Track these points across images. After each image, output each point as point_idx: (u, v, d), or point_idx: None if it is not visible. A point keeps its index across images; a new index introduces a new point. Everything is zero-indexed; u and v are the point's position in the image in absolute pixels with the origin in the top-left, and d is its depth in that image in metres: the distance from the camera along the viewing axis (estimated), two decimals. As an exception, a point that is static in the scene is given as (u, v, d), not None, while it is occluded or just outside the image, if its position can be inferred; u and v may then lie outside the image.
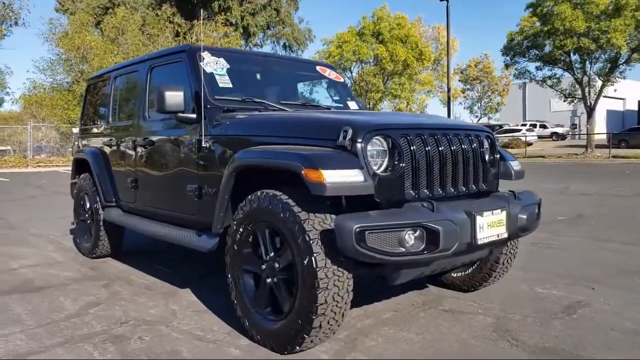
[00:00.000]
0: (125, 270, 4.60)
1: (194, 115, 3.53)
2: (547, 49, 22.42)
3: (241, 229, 2.87)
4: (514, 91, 44.87)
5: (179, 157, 3.73)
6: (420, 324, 3.12)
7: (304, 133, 2.81)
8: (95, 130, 5.17)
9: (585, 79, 22.60)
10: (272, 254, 2.73)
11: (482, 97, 41.34)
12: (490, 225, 2.74)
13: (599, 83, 22.65)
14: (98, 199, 4.80)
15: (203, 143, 3.40)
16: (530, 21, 22.53)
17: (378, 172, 2.61)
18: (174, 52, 3.96)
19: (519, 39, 22.74)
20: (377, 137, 2.64)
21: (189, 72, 3.68)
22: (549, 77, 23.97)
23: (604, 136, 28.90)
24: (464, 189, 2.98)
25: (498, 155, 3.32)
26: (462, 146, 2.97)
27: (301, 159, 2.48)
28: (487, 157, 3.17)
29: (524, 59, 23.62)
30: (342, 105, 4.39)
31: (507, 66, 24.77)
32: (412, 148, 2.71)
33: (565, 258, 4.80)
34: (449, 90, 24.22)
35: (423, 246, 2.43)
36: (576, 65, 22.69)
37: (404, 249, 2.39)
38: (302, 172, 2.43)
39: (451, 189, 2.90)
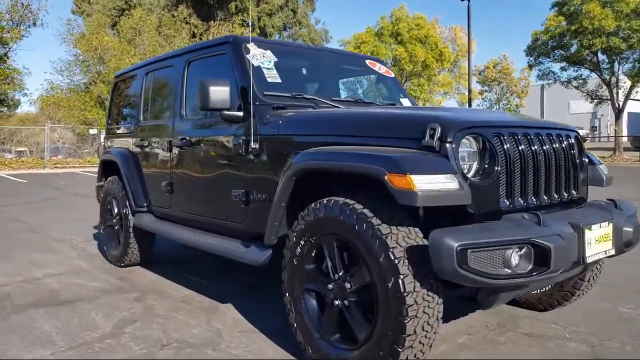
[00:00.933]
0: (156, 281, 4.25)
1: (241, 113, 3.18)
2: (573, 49, 21.79)
3: (302, 242, 2.51)
4: (533, 93, 44.08)
5: (222, 159, 3.38)
6: (504, 351, 2.72)
7: (380, 131, 2.43)
8: (124, 130, 4.84)
9: (614, 79, 21.93)
10: (341, 272, 2.36)
11: (500, 98, 40.61)
12: (598, 241, 2.34)
13: (628, 84, 21.95)
14: (128, 204, 4.47)
15: (252, 144, 3.05)
16: (556, 20, 21.94)
17: (470, 177, 2.22)
18: (215, 44, 3.60)
19: (544, 38, 22.15)
20: (467, 137, 2.26)
21: (235, 66, 3.33)
22: (575, 78, 23.32)
23: (624, 139, 28.08)
24: (557, 196, 2.59)
25: (586, 159, 2.92)
26: (555, 147, 2.57)
27: (384, 161, 2.10)
28: (577, 160, 2.77)
29: (548, 59, 23.00)
30: (394, 102, 4.00)
31: (530, 67, 24.16)
32: (506, 149, 2.32)
33: None
34: (469, 91, 23.63)
35: (530, 267, 2.04)
36: (603, 65, 22.04)
37: (509, 271, 2.00)
38: (386, 177, 2.06)
39: (544, 196, 2.51)
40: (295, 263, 2.56)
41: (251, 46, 3.41)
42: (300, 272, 2.55)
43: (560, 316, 3.23)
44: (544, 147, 2.50)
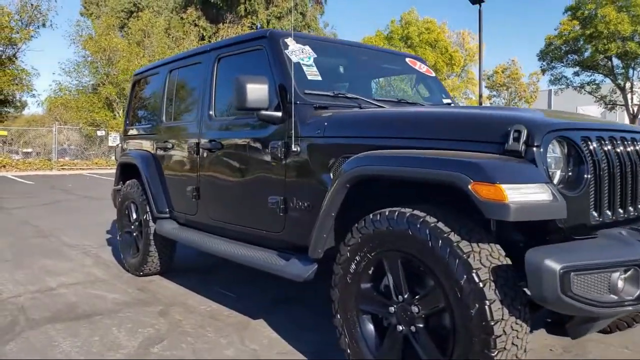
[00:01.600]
0: (179, 293, 3.98)
1: (279, 114, 2.91)
2: (587, 53, 21.46)
3: (358, 258, 2.23)
4: (541, 98, 43.72)
5: (257, 162, 3.11)
6: (578, 382, 2.43)
7: (451, 133, 2.15)
8: (144, 131, 4.58)
9: (628, 84, 21.58)
10: (407, 294, 2.07)
11: (508, 103, 40.26)
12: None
13: (644, 89, 21.65)
14: (148, 209, 4.20)
15: (293, 146, 2.77)
16: (570, 25, 21.63)
17: (558, 187, 1.94)
18: (250, 38, 3.33)
19: (557, 43, 21.84)
20: (555, 140, 1.98)
21: (272, 62, 3.06)
22: (588, 83, 22.98)
23: None
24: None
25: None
26: (640, 152, 2.29)
27: (467, 168, 1.82)
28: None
29: (561, 64, 22.67)
30: (437, 104, 3.72)
31: (543, 71, 23.83)
32: (595, 154, 2.03)
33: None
34: (480, 96, 23.27)
35: (638, 292, 1.75)
36: (618, 70, 21.69)
37: (615, 297, 1.72)
38: (470, 186, 1.78)
39: (630, 208, 2.22)
40: (349, 281, 2.28)
41: (290, 41, 3.14)
42: (355, 292, 2.27)
43: (627, 339, 2.93)
44: (630, 152, 2.22)
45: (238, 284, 4.22)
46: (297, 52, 3.13)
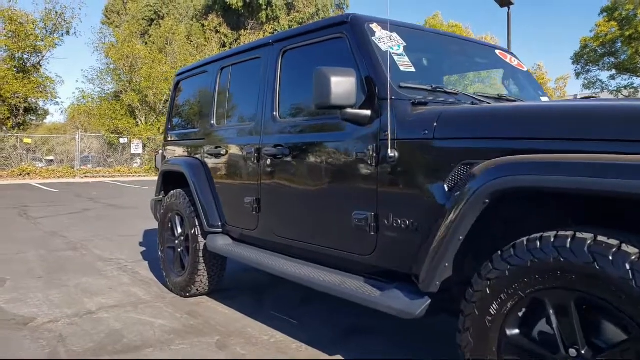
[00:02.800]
0: (234, 318, 3.50)
1: (368, 112, 2.43)
2: (625, 56, 20.65)
3: (503, 296, 1.72)
4: (567, 104, 42.63)
5: (337, 171, 2.63)
6: None
7: (619, 133, 1.62)
8: (191, 136, 4.13)
9: (668, 88, 20.75)
10: (584, 348, 1.55)
11: (534, 109, 39.33)
12: None
13: (684, 93, 20.74)
14: (197, 223, 3.74)
15: (389, 151, 2.28)
16: (606, 26, 20.85)
17: None
18: (326, 25, 2.85)
19: (593, 45, 21.08)
20: None
21: (358, 51, 2.58)
22: (625, 87, 22.13)
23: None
24: None
25: None
26: None
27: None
28: None
29: (596, 67, 21.88)
30: (535, 100, 3.21)
31: (577, 74, 23.06)
32: None
33: None
34: (509, 101, 22.60)
35: None
36: (657, 73, 20.87)
37: None
38: None
39: None
40: (488, 325, 1.77)
41: (376, 27, 2.66)
42: (497, 339, 1.76)
43: None
44: None
45: (295, 307, 3.74)
46: (386, 40, 2.65)
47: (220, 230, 3.63)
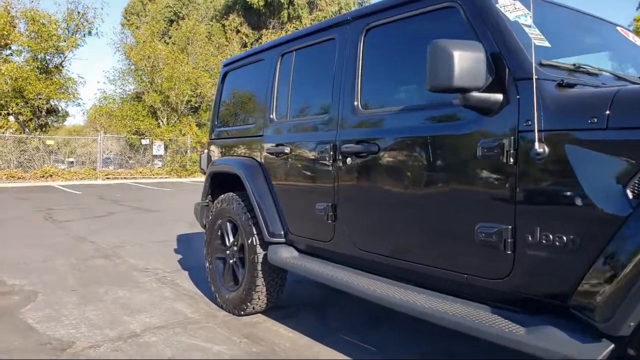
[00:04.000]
0: (301, 343, 3.01)
1: (499, 96, 1.92)
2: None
3: None
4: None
5: (454, 172, 2.12)
6: None
7: None
8: (244, 133, 3.65)
9: None
10: None
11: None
12: None
13: None
14: (255, 232, 3.26)
15: (536, 146, 1.77)
16: (645, 20, 19.95)
17: None
18: (431, -7, 2.34)
19: (631, 40, 20.12)
20: None
21: (480, 22, 2.07)
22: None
23: None
24: None
25: None
26: None
27: None
28: None
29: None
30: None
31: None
32: None
33: None
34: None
35: None
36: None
37: None
38: None
39: None
40: None
41: (496, -7, 2.15)
42: None
43: None
44: None
45: (366, 328, 3.25)
46: (510, 8, 2.13)
47: (283, 240, 3.15)
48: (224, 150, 3.93)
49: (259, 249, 3.25)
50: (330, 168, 2.71)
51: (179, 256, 5.66)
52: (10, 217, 8.96)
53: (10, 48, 20.32)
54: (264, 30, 27.18)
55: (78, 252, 5.82)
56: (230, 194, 3.59)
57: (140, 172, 21.61)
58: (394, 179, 2.37)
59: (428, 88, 1.95)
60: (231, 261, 3.60)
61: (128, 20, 37.75)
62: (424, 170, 2.23)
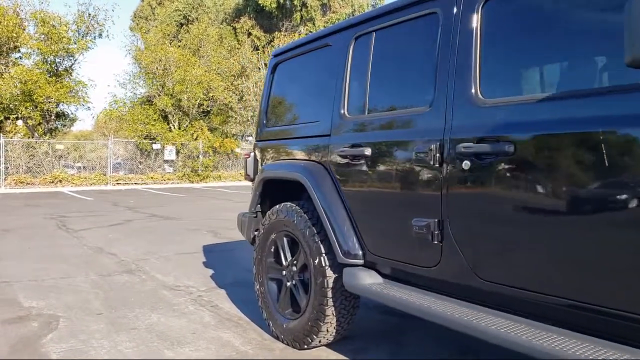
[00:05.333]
0: (388, 390, 2.45)
1: None
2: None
3: None
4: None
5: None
6: None
7: None
8: (306, 131, 3.09)
9: None
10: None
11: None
12: None
13: None
14: (323, 250, 2.71)
15: None
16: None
17: None
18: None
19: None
20: None
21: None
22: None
23: None
24: None
25: None
26: None
27: None
28: None
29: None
30: None
31: None
32: None
33: None
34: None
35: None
36: None
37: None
38: None
39: None
40: None
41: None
42: None
43: None
44: None
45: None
46: None
47: (360, 261, 2.58)
48: (276, 153, 3.38)
49: (328, 272, 2.69)
50: (436, 173, 2.15)
51: (210, 271, 5.12)
52: (22, 226, 8.46)
53: (19, 51, 19.97)
54: (276, 33, 26.71)
55: (98, 267, 5.28)
56: (288, 204, 3.04)
57: (152, 178, 21.16)
58: (544, 189, 1.80)
59: (627, 62, 1.39)
60: (289, 283, 3.04)
61: (137, 24, 37.46)
62: (593, 178, 1.66)
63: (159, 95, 22.31)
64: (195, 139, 22.38)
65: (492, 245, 1.98)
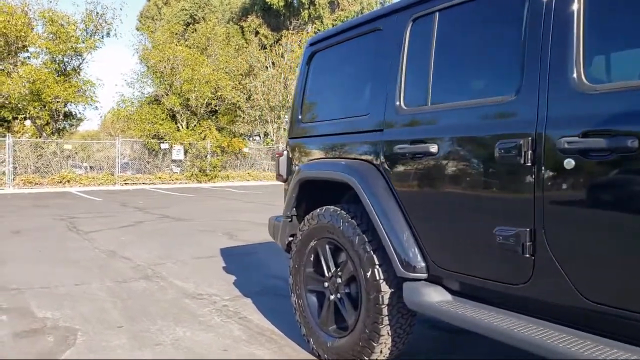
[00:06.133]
0: None
1: None
2: None
3: None
4: None
5: None
6: None
7: None
8: (352, 127, 2.76)
9: None
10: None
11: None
12: None
13: None
14: (377, 261, 2.38)
15: None
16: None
17: None
18: None
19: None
20: None
21: None
22: None
23: None
24: None
25: None
26: None
27: None
28: None
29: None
30: None
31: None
32: None
33: None
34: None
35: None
36: None
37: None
38: None
39: None
40: None
41: None
42: None
43: None
44: None
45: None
46: None
47: (424, 275, 2.26)
48: (314, 151, 3.06)
49: (384, 286, 2.37)
50: (526, 174, 1.82)
51: (232, 277, 4.81)
52: (31, 228, 8.18)
53: (27, 50, 19.76)
54: (284, 31, 26.41)
55: (113, 272, 4.98)
56: (331, 207, 2.72)
57: (160, 178, 20.90)
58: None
59: None
60: (332, 297, 2.72)
61: (143, 24, 37.25)
62: None
63: (167, 94, 22.05)
64: (204, 139, 22.11)
65: (603, 259, 1.65)
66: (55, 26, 18.70)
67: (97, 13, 20.06)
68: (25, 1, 19.22)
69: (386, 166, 2.45)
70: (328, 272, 2.75)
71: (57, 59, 19.35)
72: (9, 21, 18.13)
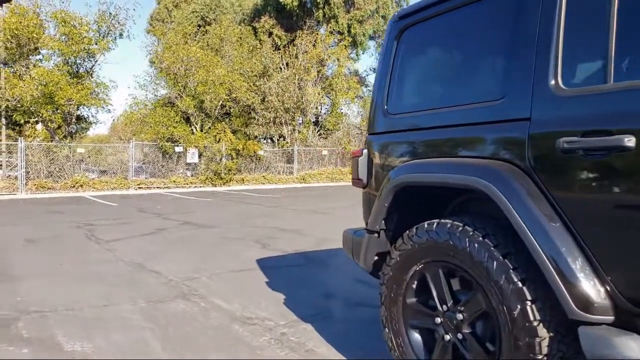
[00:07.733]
0: None
1: None
2: None
3: None
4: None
5: None
6: None
7: None
8: (475, 115, 2.13)
9: None
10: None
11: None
12: None
13: None
14: (529, 295, 1.76)
15: None
16: None
17: None
18: None
19: None
20: None
21: None
22: None
23: None
24: None
25: None
26: None
27: None
28: None
29: None
30: None
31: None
32: None
33: None
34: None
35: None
36: None
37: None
38: None
39: None
40: None
41: None
42: None
43: None
44: None
45: None
46: None
47: (610, 318, 1.63)
48: (411, 149, 2.44)
49: (541, 330, 1.75)
50: None
51: (280, 295, 4.20)
52: (48, 236, 7.63)
53: (39, 53, 19.34)
54: (298, 31, 25.83)
55: (144, 289, 4.40)
56: (448, 222, 2.09)
57: (174, 181, 20.37)
58: None
59: None
60: (448, 337, 2.10)
61: (153, 27, 36.90)
62: None
63: (181, 96, 21.54)
64: (218, 142, 21.56)
65: None
66: (68, 27, 18.24)
67: (110, 14, 19.61)
68: (37, 2, 18.82)
69: (538, 167, 1.83)
70: (441, 305, 2.13)
71: (69, 60, 18.90)
72: (20, 22, 17.72)
